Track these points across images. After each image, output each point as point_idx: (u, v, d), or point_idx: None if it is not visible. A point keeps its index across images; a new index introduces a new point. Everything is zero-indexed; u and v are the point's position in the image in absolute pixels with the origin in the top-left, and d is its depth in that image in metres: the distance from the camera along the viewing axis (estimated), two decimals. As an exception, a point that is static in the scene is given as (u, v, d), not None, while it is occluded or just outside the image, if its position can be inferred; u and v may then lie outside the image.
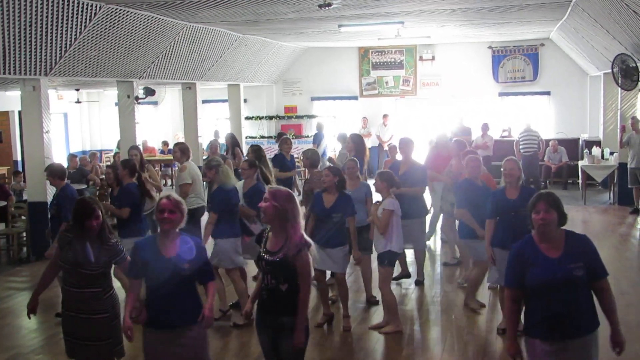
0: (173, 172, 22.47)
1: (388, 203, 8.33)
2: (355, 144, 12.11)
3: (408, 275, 10.72)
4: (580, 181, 18.56)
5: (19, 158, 21.31)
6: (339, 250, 8.56)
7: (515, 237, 6.30)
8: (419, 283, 10.70)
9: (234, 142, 14.79)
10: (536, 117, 20.27)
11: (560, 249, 4.96)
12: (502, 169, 8.22)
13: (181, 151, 11.48)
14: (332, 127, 24.21)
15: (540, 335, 4.97)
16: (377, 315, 9.18)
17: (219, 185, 9.08)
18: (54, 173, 9.50)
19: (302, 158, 11.57)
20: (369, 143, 20.77)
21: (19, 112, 15.29)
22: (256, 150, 11.29)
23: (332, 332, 8.71)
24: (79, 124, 27.02)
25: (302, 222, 5.72)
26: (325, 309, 8.92)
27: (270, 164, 11.54)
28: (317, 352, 7.96)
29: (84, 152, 24.27)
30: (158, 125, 26.48)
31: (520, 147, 19.20)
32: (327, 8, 12.26)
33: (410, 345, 8.29)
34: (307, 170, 11.38)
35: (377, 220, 8.33)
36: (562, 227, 5.04)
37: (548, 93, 22.86)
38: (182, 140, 22.41)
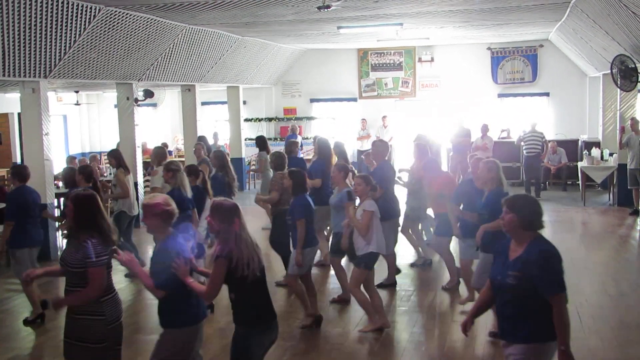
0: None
1: (368, 204, 8.43)
2: (319, 147, 12.18)
3: (395, 284, 10.71)
4: (579, 182, 18.56)
5: (19, 160, 21.31)
6: (293, 251, 8.83)
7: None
8: (390, 286, 10.65)
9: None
10: (535, 118, 20.26)
11: (518, 252, 4.90)
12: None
13: (155, 155, 11.82)
14: (331, 129, 24.24)
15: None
16: (354, 315, 9.21)
17: (173, 187, 9.36)
18: (16, 175, 9.74)
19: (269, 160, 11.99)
20: (368, 145, 20.74)
21: (19, 114, 15.31)
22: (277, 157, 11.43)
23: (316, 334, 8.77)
24: (78, 126, 27.01)
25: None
26: (306, 310, 8.92)
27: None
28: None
29: (83, 154, 24.27)
30: (157, 127, 26.48)
31: (524, 147, 19.20)
32: (326, 10, 12.27)
33: (389, 348, 8.27)
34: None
35: (358, 223, 8.37)
36: (535, 232, 4.96)
37: (547, 94, 22.87)
38: (181, 142, 22.50)
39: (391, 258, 10.63)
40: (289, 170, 9.40)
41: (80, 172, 10.11)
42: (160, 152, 12.33)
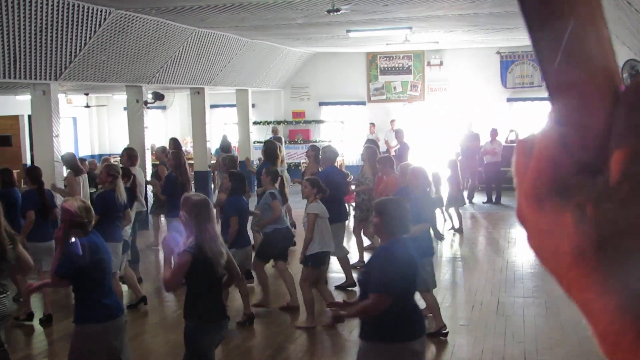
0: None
1: (312, 207, 8.84)
2: (265, 149, 12.28)
3: (354, 284, 10.72)
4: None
5: (29, 162, 21.39)
6: None
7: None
8: (349, 287, 10.69)
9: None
10: (544, 124, 20.10)
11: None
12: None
13: (127, 156, 12.07)
14: (340, 132, 24.29)
15: None
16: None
17: (105, 189, 9.57)
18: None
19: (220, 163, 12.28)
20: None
21: (29, 116, 15.37)
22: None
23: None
24: (88, 128, 27.12)
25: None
26: (245, 308, 9.18)
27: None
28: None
29: (92, 156, 24.34)
30: (167, 130, 26.56)
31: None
32: (335, 13, 12.30)
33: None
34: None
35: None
36: (394, 235, 5.10)
37: (556, 99, 22.78)
38: (190, 145, 22.55)
39: (344, 260, 10.79)
40: (230, 172, 9.83)
41: (27, 174, 10.34)
42: (132, 155, 12.66)
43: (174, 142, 15.02)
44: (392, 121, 23.13)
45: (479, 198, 19.42)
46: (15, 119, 22.56)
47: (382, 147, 22.46)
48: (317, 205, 8.86)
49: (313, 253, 8.74)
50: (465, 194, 18.57)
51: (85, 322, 5.61)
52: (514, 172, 0.62)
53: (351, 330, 8.32)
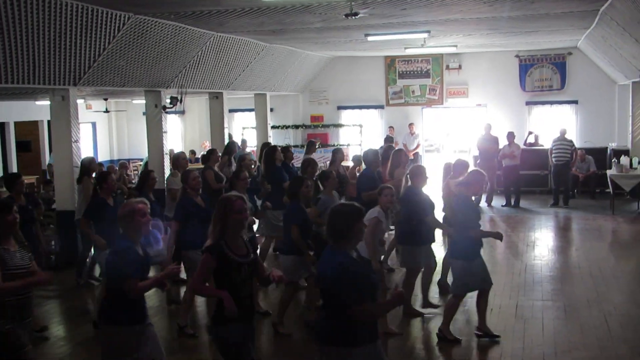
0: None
1: (373, 211, 8.67)
2: (226, 150, 12.31)
3: None
4: (609, 190, 18.41)
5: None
6: None
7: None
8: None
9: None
10: (564, 126, 20.13)
11: None
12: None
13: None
14: (358, 136, 24.30)
15: None
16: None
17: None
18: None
19: None
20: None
21: (48, 122, 15.47)
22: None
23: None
24: (107, 133, 27.26)
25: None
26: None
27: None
28: None
29: (111, 161, 24.48)
30: (185, 135, 26.67)
31: (553, 155, 19.00)
32: (353, 17, 12.27)
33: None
34: None
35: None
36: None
37: (576, 102, 22.72)
38: (208, 147, 22.61)
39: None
40: (296, 177, 9.87)
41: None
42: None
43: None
44: (410, 125, 23.12)
45: (498, 201, 19.34)
46: (35, 124, 22.73)
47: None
48: (377, 209, 8.71)
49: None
50: (484, 197, 18.53)
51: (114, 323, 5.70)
52: None
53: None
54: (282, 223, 9.38)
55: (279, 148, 13.04)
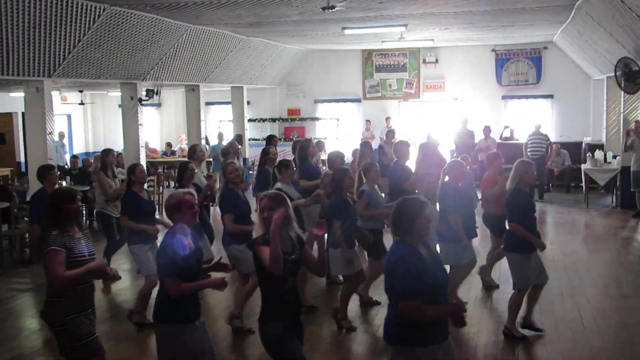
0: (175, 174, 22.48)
1: None
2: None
3: None
4: (583, 184, 18.54)
5: (22, 159, 21.36)
6: None
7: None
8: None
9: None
10: (539, 121, 20.24)
11: None
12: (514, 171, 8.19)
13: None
14: (335, 129, 24.31)
15: None
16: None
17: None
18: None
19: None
20: (373, 145, 20.76)
21: (23, 114, 15.34)
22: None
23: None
24: (82, 125, 27.08)
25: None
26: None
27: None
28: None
29: (87, 154, 24.31)
30: (161, 127, 26.56)
31: (528, 149, 19.09)
32: (330, 10, 12.28)
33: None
34: None
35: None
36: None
37: (551, 96, 22.86)
38: (185, 142, 22.54)
39: None
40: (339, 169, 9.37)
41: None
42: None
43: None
44: (387, 118, 23.15)
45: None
46: (9, 116, 22.50)
47: (377, 145, 22.52)
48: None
49: None
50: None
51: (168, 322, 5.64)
52: None
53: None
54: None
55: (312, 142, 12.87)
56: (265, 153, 11.48)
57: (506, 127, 21.94)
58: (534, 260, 8.12)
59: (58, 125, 15.99)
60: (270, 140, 13.86)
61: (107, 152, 12.05)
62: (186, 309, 5.55)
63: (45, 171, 9.94)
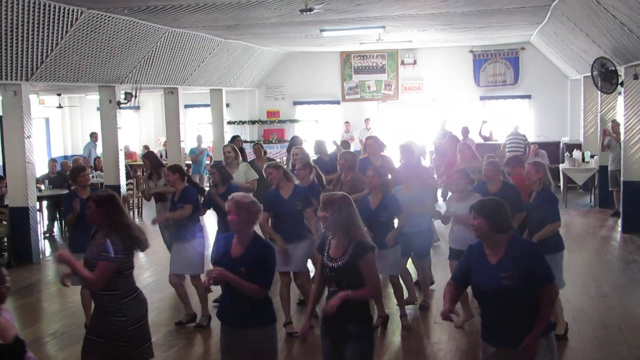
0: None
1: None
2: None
3: None
4: (561, 184, 18.65)
5: (0, 163, 21.19)
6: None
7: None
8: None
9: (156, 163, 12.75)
10: (517, 121, 20.35)
11: (499, 255, 4.92)
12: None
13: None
14: (314, 131, 24.31)
15: (485, 338, 5.09)
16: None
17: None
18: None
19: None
20: (352, 147, 20.76)
21: (0, 117, 15.22)
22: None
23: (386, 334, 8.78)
24: (60, 128, 26.92)
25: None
26: (379, 310, 8.88)
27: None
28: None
29: (65, 157, 24.18)
30: (140, 130, 26.46)
31: (507, 150, 19.16)
32: (308, 13, 12.28)
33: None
34: None
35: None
36: (508, 233, 4.98)
37: (529, 97, 23.00)
38: (163, 144, 22.47)
39: None
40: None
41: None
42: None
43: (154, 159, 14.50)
44: (366, 120, 23.19)
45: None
46: (-13, 120, 22.30)
47: (357, 146, 22.56)
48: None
49: None
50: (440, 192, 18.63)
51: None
52: None
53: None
54: None
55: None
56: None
57: (484, 122, 21.99)
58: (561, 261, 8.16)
59: (36, 128, 15.84)
60: (233, 140, 13.82)
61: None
62: (273, 308, 5.65)
63: (77, 172, 9.86)
